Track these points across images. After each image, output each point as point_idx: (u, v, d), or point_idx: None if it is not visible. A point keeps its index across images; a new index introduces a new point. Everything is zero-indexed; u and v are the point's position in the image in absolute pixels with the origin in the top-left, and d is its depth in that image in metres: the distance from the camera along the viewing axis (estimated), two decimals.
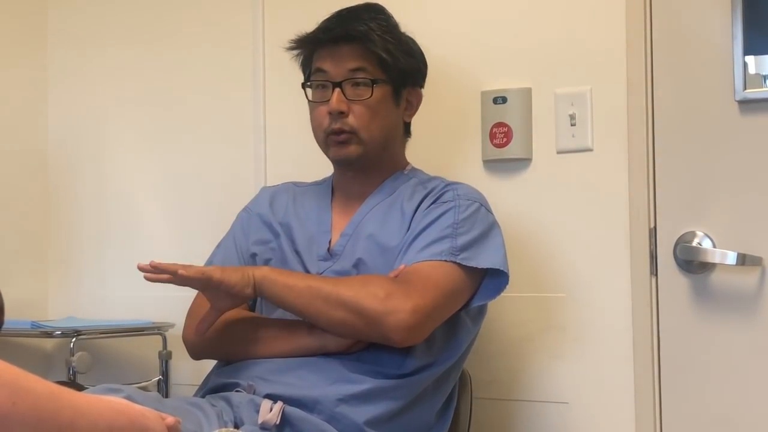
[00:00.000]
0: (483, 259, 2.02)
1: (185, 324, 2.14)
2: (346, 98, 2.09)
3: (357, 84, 2.10)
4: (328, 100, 2.10)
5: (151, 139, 2.91)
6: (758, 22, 2.13)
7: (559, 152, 2.33)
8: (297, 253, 2.14)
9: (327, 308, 1.95)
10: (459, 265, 2.00)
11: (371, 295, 1.94)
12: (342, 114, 2.09)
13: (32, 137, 3.03)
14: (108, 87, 2.97)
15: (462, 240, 2.02)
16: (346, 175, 2.20)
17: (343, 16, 2.16)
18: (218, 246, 2.25)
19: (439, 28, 2.44)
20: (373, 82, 2.09)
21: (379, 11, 2.18)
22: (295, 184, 2.28)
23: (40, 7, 3.06)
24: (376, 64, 2.10)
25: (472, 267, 2.01)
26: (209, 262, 2.22)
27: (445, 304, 1.99)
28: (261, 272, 2.00)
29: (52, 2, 3.07)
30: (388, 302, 1.93)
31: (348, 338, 1.98)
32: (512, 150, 2.36)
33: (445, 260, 2.00)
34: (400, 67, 2.13)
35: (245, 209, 2.26)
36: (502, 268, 2.03)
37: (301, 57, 2.19)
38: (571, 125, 2.31)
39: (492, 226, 2.09)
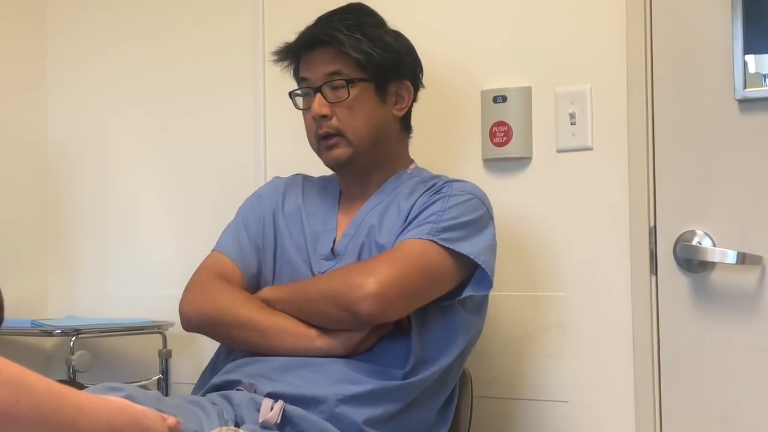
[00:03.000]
0: (463, 245, 2.01)
1: (184, 296, 2.13)
2: (327, 102, 2.10)
3: (335, 87, 2.11)
4: None
5: (151, 137, 2.91)
6: (758, 21, 2.13)
7: (559, 151, 2.33)
8: (300, 249, 2.14)
9: (310, 307, 2.00)
10: (439, 246, 2.00)
11: (337, 278, 1.98)
12: (325, 117, 2.10)
13: (32, 136, 3.03)
14: (108, 86, 2.97)
15: (445, 224, 2.02)
16: (345, 177, 2.21)
17: (319, 21, 2.18)
18: (227, 230, 2.23)
19: (438, 28, 2.45)
20: (348, 82, 2.10)
21: (356, 11, 2.19)
22: (305, 177, 2.29)
23: (39, 6, 3.06)
24: (353, 65, 2.11)
25: (453, 251, 2.00)
26: (222, 243, 2.20)
27: (417, 276, 1.98)
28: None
29: (51, 2, 3.07)
30: (349, 278, 1.96)
31: (338, 329, 1.98)
32: (512, 149, 2.36)
33: (422, 238, 2.00)
34: (377, 63, 2.12)
35: (256, 195, 2.27)
36: (476, 260, 2.01)
37: (291, 68, 2.21)
38: (571, 124, 2.31)
39: (482, 219, 2.08)
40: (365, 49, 2.11)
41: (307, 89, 2.15)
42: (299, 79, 2.18)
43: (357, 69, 2.11)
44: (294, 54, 2.19)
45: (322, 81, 2.11)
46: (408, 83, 2.19)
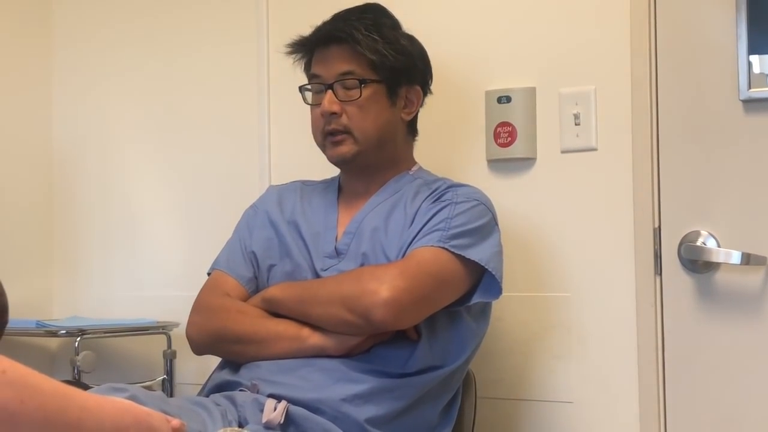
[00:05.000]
0: (473, 252, 2.01)
1: (190, 319, 2.14)
2: (338, 99, 2.10)
3: (347, 86, 2.11)
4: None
5: (156, 139, 2.91)
6: (762, 22, 2.12)
7: (563, 152, 2.33)
8: (301, 248, 2.14)
9: (319, 308, 1.99)
10: (450, 252, 2.00)
11: (349, 281, 1.98)
12: (334, 115, 2.11)
13: (37, 137, 3.04)
14: (113, 87, 2.98)
15: (454, 230, 2.02)
16: (348, 174, 2.21)
17: (336, 18, 2.18)
18: (225, 247, 2.25)
19: (443, 28, 2.45)
20: (361, 82, 2.10)
21: (373, 11, 2.19)
22: (304, 182, 2.29)
23: (44, 7, 3.06)
24: (366, 65, 2.11)
25: (463, 258, 2.00)
26: (216, 261, 2.22)
27: (431, 284, 1.98)
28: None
29: (57, 4, 3.07)
30: (363, 283, 1.95)
31: (346, 333, 1.98)
32: (516, 149, 2.36)
33: (434, 245, 2.00)
34: (390, 66, 2.12)
35: (252, 206, 2.27)
36: (486, 266, 2.02)
37: (303, 62, 2.21)
38: (576, 125, 2.31)
39: (488, 225, 2.08)
40: (381, 50, 2.11)
41: (318, 85, 2.15)
42: (311, 75, 2.18)
43: (370, 70, 2.11)
44: (308, 48, 2.19)
45: (334, 79, 2.11)
46: (418, 88, 2.20)
